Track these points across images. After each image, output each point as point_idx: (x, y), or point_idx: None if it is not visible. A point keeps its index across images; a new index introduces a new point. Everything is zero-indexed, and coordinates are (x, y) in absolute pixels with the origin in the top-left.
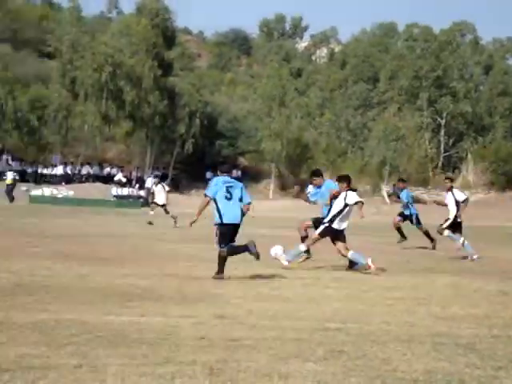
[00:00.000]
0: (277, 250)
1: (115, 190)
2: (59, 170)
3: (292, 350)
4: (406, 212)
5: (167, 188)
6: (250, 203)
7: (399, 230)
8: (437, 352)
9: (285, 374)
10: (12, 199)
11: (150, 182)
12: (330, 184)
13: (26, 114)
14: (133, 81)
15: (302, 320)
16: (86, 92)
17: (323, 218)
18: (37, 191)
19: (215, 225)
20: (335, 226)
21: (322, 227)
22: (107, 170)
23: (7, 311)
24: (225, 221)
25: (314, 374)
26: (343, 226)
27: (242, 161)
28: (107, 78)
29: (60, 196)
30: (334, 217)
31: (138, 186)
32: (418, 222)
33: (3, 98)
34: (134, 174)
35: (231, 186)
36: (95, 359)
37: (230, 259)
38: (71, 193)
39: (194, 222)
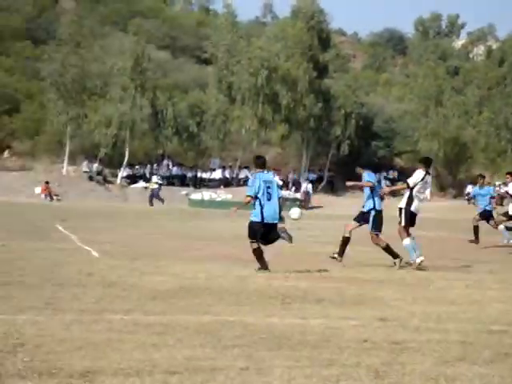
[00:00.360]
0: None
1: None
2: (218, 174)
3: (457, 352)
4: None
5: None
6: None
7: None
8: None
9: (451, 377)
10: (162, 201)
11: (305, 185)
12: None
13: (185, 119)
14: (288, 84)
15: (466, 322)
16: (242, 96)
17: None
18: (196, 195)
19: (254, 222)
20: None
21: None
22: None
23: (173, 314)
24: (265, 221)
25: (481, 377)
26: None
27: (399, 161)
28: (263, 81)
29: (219, 199)
30: None
31: (294, 188)
32: None
33: (163, 104)
34: (290, 176)
35: (269, 187)
36: (261, 361)
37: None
38: (229, 196)
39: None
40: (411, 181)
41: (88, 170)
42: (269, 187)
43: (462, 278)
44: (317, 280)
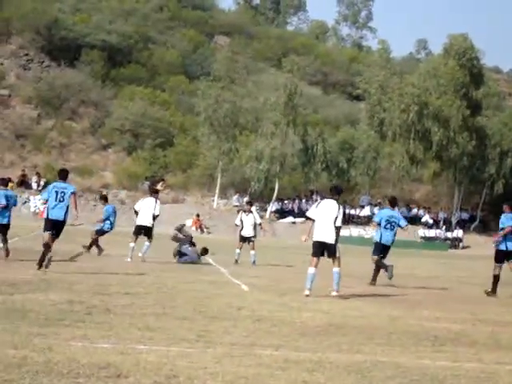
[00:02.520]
0: None
1: (422, 232)
2: (366, 211)
3: None
4: None
5: None
6: None
7: None
8: None
9: None
10: None
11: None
12: None
13: (335, 155)
14: (440, 121)
15: None
16: (393, 133)
17: None
18: (344, 231)
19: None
20: None
21: None
22: (414, 211)
23: (323, 351)
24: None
25: None
26: None
27: None
28: (414, 118)
29: (367, 236)
30: None
31: (444, 227)
32: None
33: (314, 140)
34: (440, 215)
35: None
36: None
37: None
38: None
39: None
40: None
41: (238, 204)
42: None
43: None
44: (470, 322)
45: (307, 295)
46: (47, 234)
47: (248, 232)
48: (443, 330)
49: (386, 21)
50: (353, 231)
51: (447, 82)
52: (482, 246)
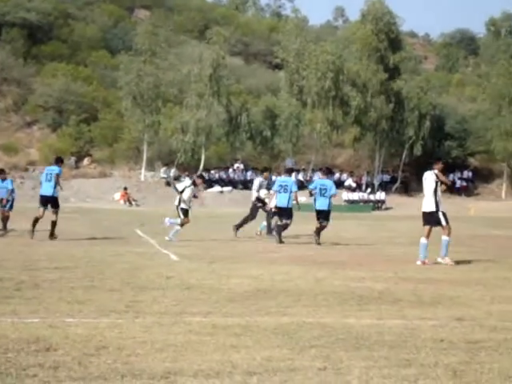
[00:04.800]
0: None
1: (346, 195)
2: (292, 177)
3: None
4: None
5: None
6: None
7: None
8: None
9: None
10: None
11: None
12: None
13: (258, 124)
14: (358, 86)
15: None
16: (313, 100)
17: None
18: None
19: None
20: None
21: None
22: (337, 175)
23: (251, 315)
24: None
25: None
26: None
27: (472, 161)
28: (330, 84)
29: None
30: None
31: (368, 190)
32: None
33: (238, 110)
34: (364, 178)
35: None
36: (338, 362)
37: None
38: (303, 199)
39: None
40: None
41: (165, 176)
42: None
43: None
44: (393, 281)
45: None
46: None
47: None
48: (367, 290)
49: None
50: None
51: (363, 47)
52: (404, 207)
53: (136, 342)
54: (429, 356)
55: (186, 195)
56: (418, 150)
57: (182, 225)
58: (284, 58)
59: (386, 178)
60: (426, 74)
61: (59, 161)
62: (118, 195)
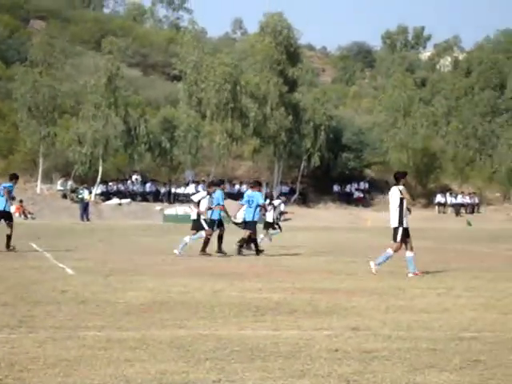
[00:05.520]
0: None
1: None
2: (191, 189)
3: (427, 360)
4: None
5: None
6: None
7: None
8: None
9: None
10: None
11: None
12: None
13: (157, 135)
14: (258, 98)
15: (436, 330)
16: (212, 111)
17: None
18: (170, 210)
19: None
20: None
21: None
22: (237, 187)
23: (147, 329)
24: None
25: None
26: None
27: (369, 172)
28: (228, 96)
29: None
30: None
31: (268, 201)
32: None
33: (136, 121)
34: (262, 190)
35: None
36: (233, 373)
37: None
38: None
39: None
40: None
41: (62, 188)
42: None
43: (433, 287)
44: (289, 291)
45: None
46: None
47: None
48: (264, 301)
49: (203, 1)
50: (179, 209)
51: (263, 59)
52: (303, 218)
53: (28, 357)
54: (323, 366)
55: (203, 207)
56: (315, 162)
57: (207, 237)
58: (182, 69)
59: (285, 189)
60: (322, 86)
61: (13, 177)
62: (13, 208)
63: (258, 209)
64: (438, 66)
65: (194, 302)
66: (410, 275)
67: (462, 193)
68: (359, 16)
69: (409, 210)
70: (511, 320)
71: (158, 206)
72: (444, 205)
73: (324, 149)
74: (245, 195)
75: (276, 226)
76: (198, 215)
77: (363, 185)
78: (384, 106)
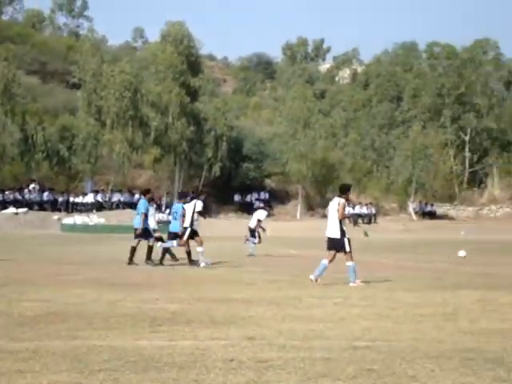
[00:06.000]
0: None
1: None
2: (90, 198)
3: (321, 369)
4: None
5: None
6: None
7: None
8: (465, 367)
9: None
10: None
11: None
12: None
13: (55, 144)
14: (160, 108)
15: (331, 339)
16: (112, 120)
17: None
18: (68, 220)
19: None
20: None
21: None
22: (137, 196)
23: (40, 339)
24: None
25: None
26: None
27: (269, 183)
28: (129, 105)
29: (91, 224)
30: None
31: (168, 211)
32: None
33: (33, 129)
34: (163, 199)
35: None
36: None
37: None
38: (102, 220)
39: None
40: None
41: None
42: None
43: (330, 296)
44: (187, 301)
45: None
46: None
47: None
48: (161, 311)
49: (103, 9)
50: (77, 219)
51: (165, 68)
52: (204, 228)
53: None
54: (218, 376)
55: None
56: (216, 172)
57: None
58: (81, 77)
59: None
60: (224, 97)
61: None
62: None
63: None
64: (336, 78)
65: (90, 312)
66: (351, 284)
67: (360, 203)
68: (260, 27)
69: (349, 220)
70: (405, 329)
71: (55, 216)
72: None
73: (225, 159)
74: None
75: None
76: (191, 224)
77: (263, 195)
78: (284, 117)
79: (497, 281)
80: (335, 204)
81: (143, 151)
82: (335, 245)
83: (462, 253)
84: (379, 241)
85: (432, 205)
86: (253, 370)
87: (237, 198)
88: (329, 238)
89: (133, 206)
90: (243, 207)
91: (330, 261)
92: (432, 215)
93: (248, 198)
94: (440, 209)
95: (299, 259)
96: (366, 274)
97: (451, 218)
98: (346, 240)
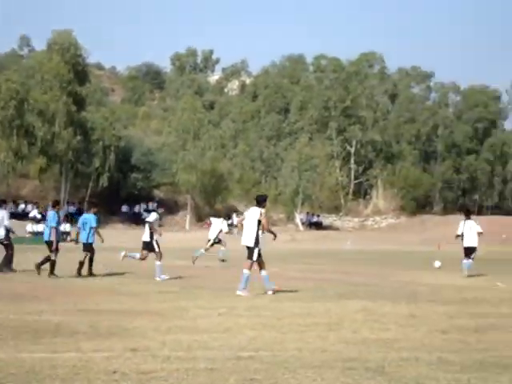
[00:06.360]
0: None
1: (30, 227)
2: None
3: (204, 380)
4: None
5: None
6: None
7: None
8: (346, 377)
9: None
10: None
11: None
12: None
13: None
14: (46, 117)
15: (215, 350)
16: None
17: None
18: None
19: None
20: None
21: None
22: (22, 206)
23: None
24: None
25: None
26: None
27: (158, 193)
28: (15, 114)
29: None
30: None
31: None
32: None
33: None
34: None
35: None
36: None
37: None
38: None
39: None
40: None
41: None
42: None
43: (216, 307)
44: (71, 313)
45: None
46: None
47: None
48: (44, 323)
49: None
50: None
51: (52, 77)
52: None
53: None
54: None
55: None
56: (104, 182)
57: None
58: None
59: (72, 209)
60: (112, 106)
61: None
62: None
63: (93, 231)
64: (225, 90)
65: None
66: (270, 293)
67: None
68: (148, 37)
69: (274, 234)
70: (289, 339)
71: None
72: (231, 225)
73: (113, 169)
74: (80, 218)
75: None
76: (151, 237)
77: (152, 205)
78: (173, 127)
79: (379, 291)
80: (255, 213)
81: (29, 161)
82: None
83: (437, 263)
84: (267, 251)
85: (318, 215)
86: (135, 381)
87: (124, 208)
88: (246, 247)
89: (18, 216)
90: (131, 218)
91: (249, 268)
92: (318, 226)
93: (136, 209)
94: (326, 219)
95: (187, 270)
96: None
97: (337, 229)
98: (256, 250)
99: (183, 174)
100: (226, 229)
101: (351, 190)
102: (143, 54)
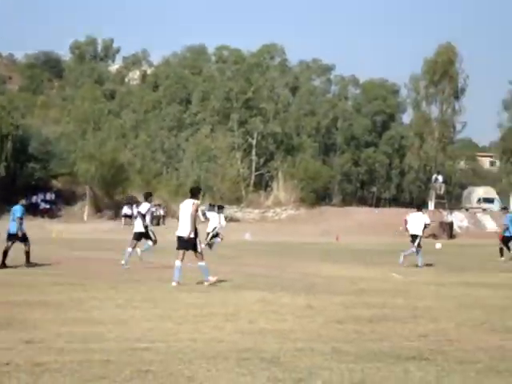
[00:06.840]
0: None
1: None
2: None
3: (99, 371)
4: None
5: None
6: None
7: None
8: (241, 367)
9: None
10: None
11: None
12: None
13: None
14: None
15: (111, 341)
16: None
17: None
18: None
19: None
20: None
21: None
22: None
23: None
24: None
25: None
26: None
27: (56, 183)
28: None
29: None
30: None
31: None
32: None
33: None
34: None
35: None
36: None
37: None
38: None
39: None
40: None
41: None
42: None
43: (112, 298)
44: None
45: None
46: None
47: None
48: None
49: None
50: None
51: None
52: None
53: None
54: None
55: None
56: (0, 172)
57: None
58: None
59: None
60: (9, 94)
61: None
62: None
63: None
64: (126, 79)
65: None
66: (206, 283)
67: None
68: (46, 24)
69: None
70: (184, 330)
71: None
72: (130, 216)
73: (10, 158)
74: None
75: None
76: (146, 227)
77: (50, 195)
78: (73, 117)
79: (277, 282)
80: (189, 205)
81: None
82: (186, 244)
83: (438, 245)
84: (166, 242)
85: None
86: (29, 373)
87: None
88: (179, 238)
89: None
90: (29, 208)
91: (182, 260)
92: None
93: (33, 199)
94: (227, 211)
95: (85, 261)
96: (147, 275)
97: (237, 220)
98: (198, 241)
99: (82, 164)
100: (223, 222)
101: (252, 182)
102: (42, 42)
